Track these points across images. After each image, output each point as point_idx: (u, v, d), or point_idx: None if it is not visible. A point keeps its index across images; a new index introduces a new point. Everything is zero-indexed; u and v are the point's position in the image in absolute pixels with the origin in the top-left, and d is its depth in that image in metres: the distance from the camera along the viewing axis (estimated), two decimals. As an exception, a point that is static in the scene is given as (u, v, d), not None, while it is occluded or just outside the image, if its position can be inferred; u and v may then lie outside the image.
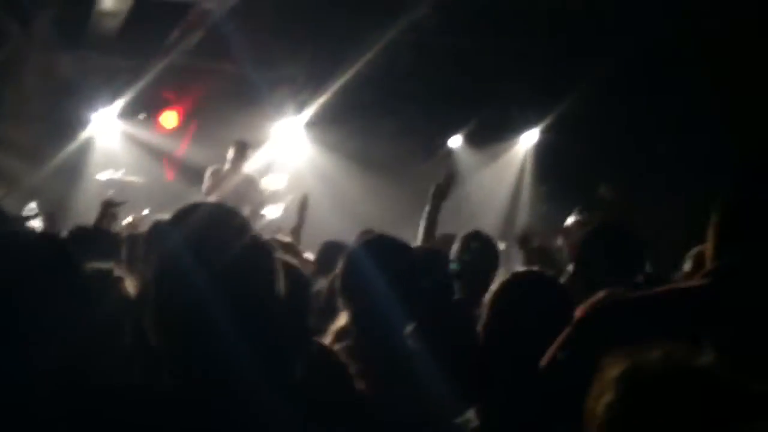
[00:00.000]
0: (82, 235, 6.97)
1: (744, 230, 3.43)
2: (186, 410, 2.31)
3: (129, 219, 11.98)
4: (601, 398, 2.04)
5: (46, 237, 4.20)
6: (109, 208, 10.18)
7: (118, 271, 4.11)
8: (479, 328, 4.38)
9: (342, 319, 4.16)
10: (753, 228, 3.39)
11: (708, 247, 3.53)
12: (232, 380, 2.31)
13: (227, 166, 13.41)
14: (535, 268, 5.09)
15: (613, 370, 2.07)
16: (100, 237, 7.21)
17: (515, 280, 4.45)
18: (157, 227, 6.63)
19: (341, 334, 4.06)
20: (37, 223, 13.32)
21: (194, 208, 2.63)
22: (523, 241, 8.98)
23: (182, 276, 2.32)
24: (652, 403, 1.98)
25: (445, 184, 6.89)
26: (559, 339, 3.64)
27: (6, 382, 2.41)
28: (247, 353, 2.28)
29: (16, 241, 2.88)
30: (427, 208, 6.64)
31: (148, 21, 15.30)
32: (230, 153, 13.48)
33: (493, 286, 4.61)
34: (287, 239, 8.67)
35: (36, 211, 13.87)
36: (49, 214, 13.40)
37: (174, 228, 2.55)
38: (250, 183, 13.45)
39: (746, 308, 3.16)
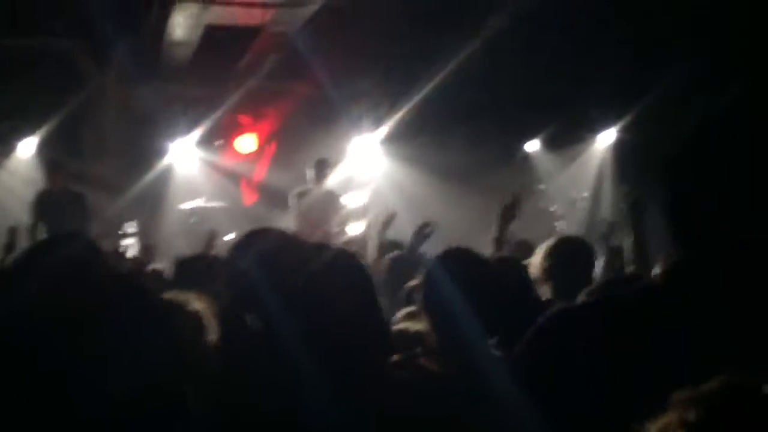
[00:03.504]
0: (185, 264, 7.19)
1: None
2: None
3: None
4: None
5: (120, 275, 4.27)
6: (212, 240, 10.44)
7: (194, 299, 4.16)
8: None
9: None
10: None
11: None
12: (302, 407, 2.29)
13: (309, 185, 13.51)
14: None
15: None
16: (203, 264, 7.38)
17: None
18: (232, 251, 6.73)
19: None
20: (132, 242, 13.61)
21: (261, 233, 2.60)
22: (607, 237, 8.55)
23: (252, 300, 2.33)
24: None
25: (513, 204, 6.75)
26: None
27: (86, 406, 2.45)
28: (317, 378, 2.26)
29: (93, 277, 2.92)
30: (494, 227, 6.53)
31: (220, 48, 15.49)
32: (310, 172, 13.58)
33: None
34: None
35: (135, 229, 14.16)
36: (146, 245, 13.65)
37: (244, 252, 2.55)
38: (331, 200, 13.53)
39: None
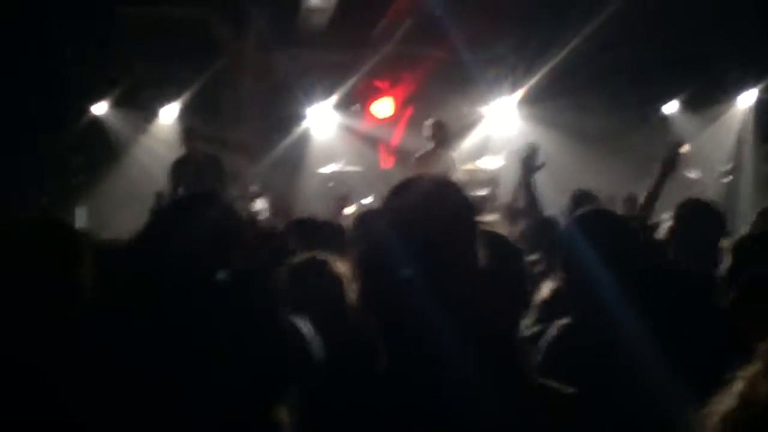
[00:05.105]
0: (306, 226, 7.22)
1: None
2: (400, 390, 2.33)
3: (352, 208, 12.23)
4: None
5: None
6: (344, 203, 10.51)
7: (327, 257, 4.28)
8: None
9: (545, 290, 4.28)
10: None
11: None
12: (444, 359, 2.30)
13: (428, 148, 13.45)
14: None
15: None
16: (324, 228, 7.42)
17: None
18: (363, 213, 6.80)
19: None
20: (260, 204, 13.81)
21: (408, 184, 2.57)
22: None
23: (386, 256, 2.35)
24: None
25: (672, 155, 6.67)
26: None
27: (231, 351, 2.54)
28: (456, 330, 2.27)
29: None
30: (654, 180, 6.48)
31: (356, 13, 15.58)
32: (428, 135, 13.47)
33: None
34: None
35: (258, 191, 14.33)
36: (282, 209, 13.83)
37: (378, 212, 2.57)
38: (450, 163, 13.45)
39: None
